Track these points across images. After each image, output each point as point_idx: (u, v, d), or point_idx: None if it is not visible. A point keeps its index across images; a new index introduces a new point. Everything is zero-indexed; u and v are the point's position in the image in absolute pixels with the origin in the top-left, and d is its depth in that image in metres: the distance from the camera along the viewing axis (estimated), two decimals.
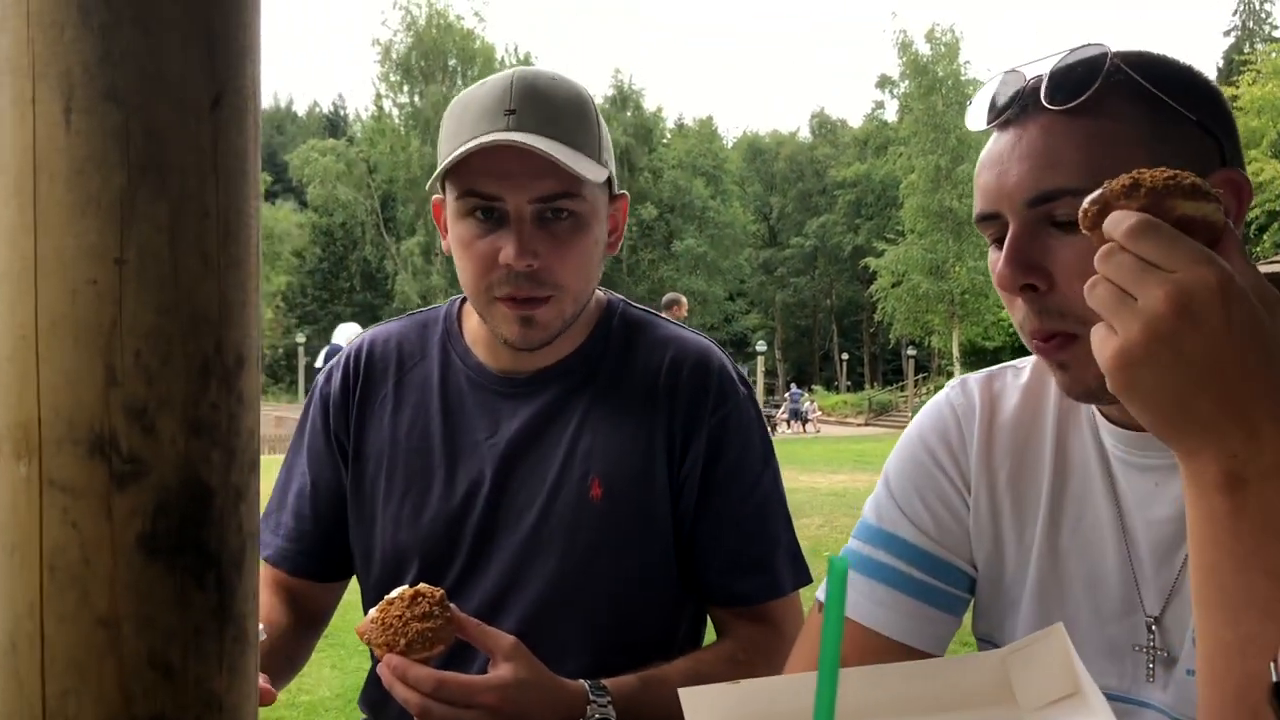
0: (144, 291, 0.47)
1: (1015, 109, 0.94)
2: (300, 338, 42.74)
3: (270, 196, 59.14)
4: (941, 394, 1.16)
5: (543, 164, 1.25)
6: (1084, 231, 0.77)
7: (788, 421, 34.24)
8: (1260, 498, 0.72)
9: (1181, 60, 0.95)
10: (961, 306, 35.42)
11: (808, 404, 36.15)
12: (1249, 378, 0.71)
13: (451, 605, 1.15)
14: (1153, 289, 0.72)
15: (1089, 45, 0.92)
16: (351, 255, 56.70)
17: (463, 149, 1.25)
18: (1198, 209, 0.74)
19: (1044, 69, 0.93)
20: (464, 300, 1.48)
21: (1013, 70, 0.97)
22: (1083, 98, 0.89)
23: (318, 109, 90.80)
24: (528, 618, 1.34)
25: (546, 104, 1.29)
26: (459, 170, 1.28)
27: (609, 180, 1.37)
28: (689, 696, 0.90)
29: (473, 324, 1.45)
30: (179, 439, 0.48)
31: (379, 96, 50.72)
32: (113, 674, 0.46)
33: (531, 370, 1.41)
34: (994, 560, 1.10)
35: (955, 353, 35.28)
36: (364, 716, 1.47)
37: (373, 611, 1.15)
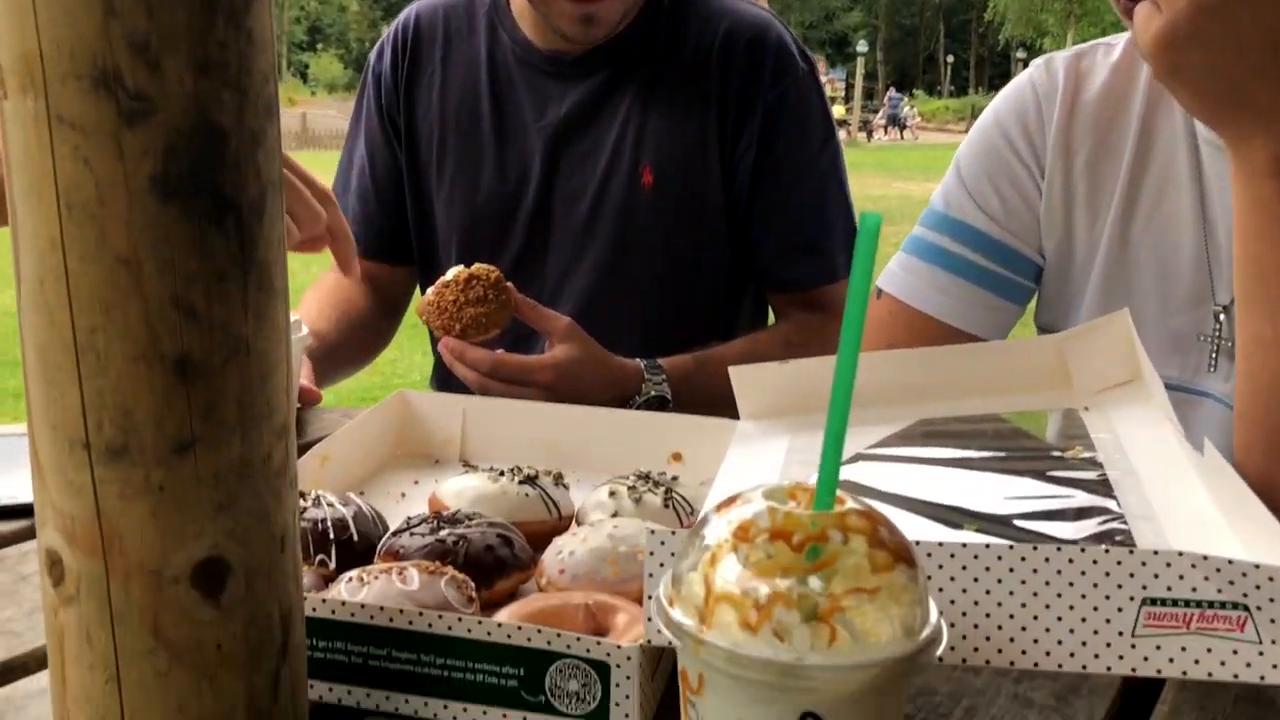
0: None
1: None
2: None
3: None
4: (1024, 73, 1.08)
5: None
6: None
7: (884, 128, 33.24)
8: None
9: None
10: (1079, 5, 33.22)
11: (907, 109, 34.93)
12: None
13: (509, 285, 1.16)
14: None
15: None
16: None
17: None
18: None
19: None
20: None
21: None
22: None
23: None
24: (582, 305, 1.35)
25: None
26: None
27: None
28: (739, 374, 0.91)
29: (520, 1, 1.39)
30: (186, 77, 0.46)
31: None
32: (138, 313, 0.47)
33: (580, 50, 1.35)
34: (1063, 248, 1.06)
35: None
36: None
37: (430, 293, 1.17)
